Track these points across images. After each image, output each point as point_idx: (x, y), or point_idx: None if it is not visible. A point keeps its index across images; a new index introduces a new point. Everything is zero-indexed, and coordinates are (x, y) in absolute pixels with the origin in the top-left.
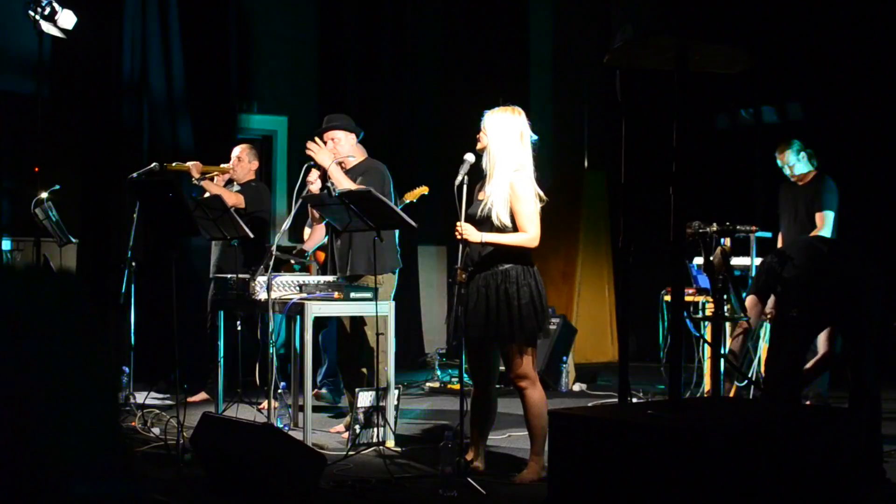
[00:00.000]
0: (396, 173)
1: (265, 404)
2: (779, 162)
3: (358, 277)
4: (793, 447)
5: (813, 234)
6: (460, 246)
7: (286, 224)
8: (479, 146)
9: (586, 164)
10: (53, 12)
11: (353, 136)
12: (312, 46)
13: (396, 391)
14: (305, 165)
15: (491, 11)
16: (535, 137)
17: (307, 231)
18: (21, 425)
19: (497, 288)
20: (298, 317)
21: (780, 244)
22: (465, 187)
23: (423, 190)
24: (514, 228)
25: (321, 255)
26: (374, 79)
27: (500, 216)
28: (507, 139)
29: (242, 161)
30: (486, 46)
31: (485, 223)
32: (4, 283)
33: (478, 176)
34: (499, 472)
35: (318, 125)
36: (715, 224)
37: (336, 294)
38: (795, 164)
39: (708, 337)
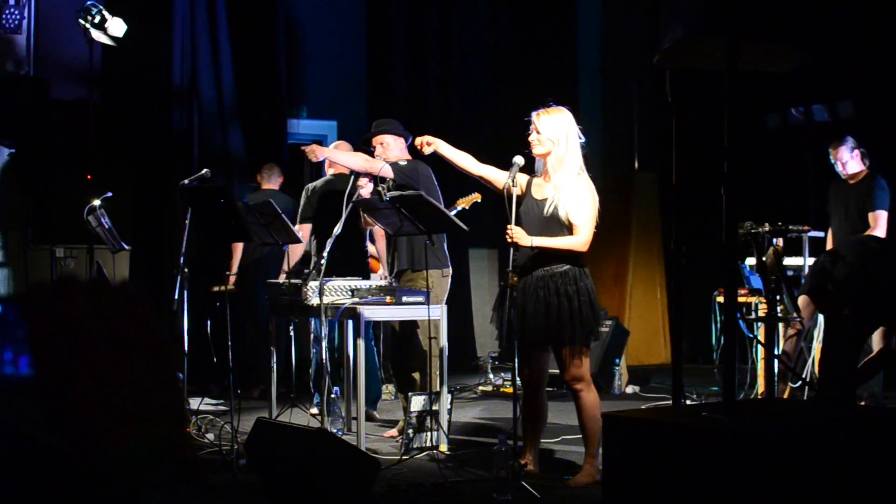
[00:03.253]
0: (447, 178)
1: (318, 409)
2: (832, 159)
3: (402, 273)
4: (848, 449)
5: (867, 233)
6: (511, 249)
7: (337, 229)
8: (537, 148)
9: (637, 165)
10: (103, 20)
11: (401, 140)
12: (361, 51)
13: (449, 395)
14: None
15: (539, 13)
16: (583, 139)
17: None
18: (89, 439)
19: (557, 290)
20: (351, 321)
21: (829, 243)
22: (514, 190)
23: (476, 197)
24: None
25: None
26: (422, 82)
27: (570, 215)
28: (570, 139)
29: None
30: (534, 49)
31: (551, 222)
32: (68, 294)
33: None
34: (553, 475)
35: (367, 129)
36: (767, 224)
37: (388, 298)
38: (848, 161)
39: (761, 338)
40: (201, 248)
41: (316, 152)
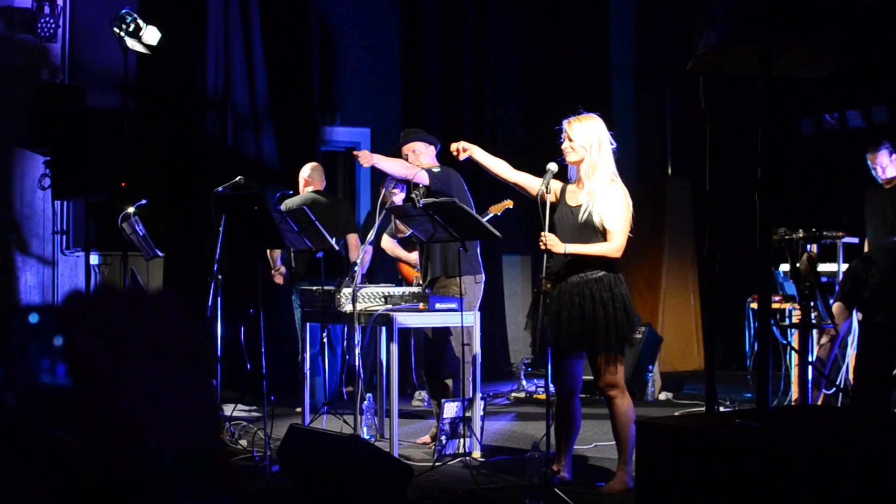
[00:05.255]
0: (479, 185)
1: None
2: (869, 163)
3: (435, 281)
4: (883, 456)
5: None
6: (544, 256)
7: (371, 236)
8: (570, 155)
9: (670, 170)
10: (138, 29)
11: (432, 147)
12: (394, 57)
13: (482, 402)
14: (388, 177)
15: (572, 19)
16: (615, 144)
17: (387, 239)
18: (126, 447)
19: (591, 296)
20: (384, 328)
21: (866, 248)
22: (548, 197)
23: (508, 203)
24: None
25: (405, 269)
26: (455, 89)
27: (604, 221)
28: (602, 146)
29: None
30: (567, 55)
31: (585, 228)
32: (106, 303)
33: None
34: (586, 482)
35: (400, 137)
36: (801, 230)
37: (421, 305)
38: (887, 166)
39: (795, 344)
40: (235, 256)
41: (368, 158)
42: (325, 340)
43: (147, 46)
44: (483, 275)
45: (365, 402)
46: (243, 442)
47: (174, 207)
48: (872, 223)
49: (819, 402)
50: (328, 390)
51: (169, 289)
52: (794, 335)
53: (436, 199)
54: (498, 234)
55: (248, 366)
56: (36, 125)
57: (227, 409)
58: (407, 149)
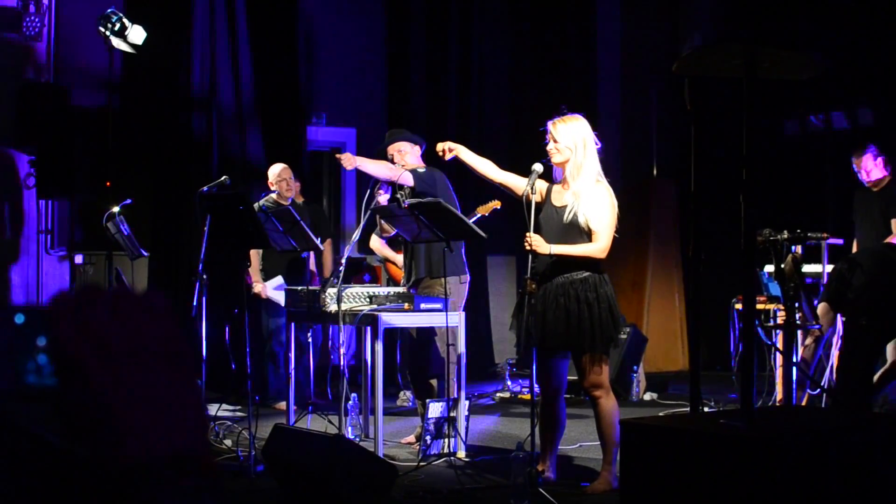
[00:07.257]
0: (466, 185)
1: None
2: (855, 167)
3: (420, 281)
4: (865, 456)
5: (888, 240)
6: (529, 256)
7: (356, 235)
8: (555, 156)
9: (655, 172)
10: (123, 28)
11: (417, 147)
12: (380, 58)
13: (467, 402)
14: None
15: (558, 20)
16: (600, 144)
17: (374, 240)
18: (111, 447)
19: (577, 297)
20: (369, 328)
21: (854, 248)
22: (533, 198)
23: (496, 204)
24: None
25: (392, 269)
26: (441, 89)
27: (590, 222)
28: (587, 146)
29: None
30: (553, 55)
31: (570, 229)
32: (91, 304)
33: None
34: (570, 482)
35: (386, 137)
36: (786, 231)
37: (406, 305)
38: (872, 169)
39: (780, 345)
40: (220, 255)
41: (351, 161)
42: (309, 340)
43: (132, 46)
44: (468, 275)
45: (350, 402)
46: (228, 442)
47: (159, 207)
48: (861, 226)
49: (803, 403)
50: (298, 389)
51: (152, 288)
52: (779, 336)
53: (421, 199)
54: (483, 234)
55: (233, 366)
56: (21, 124)
57: (212, 409)
58: (392, 149)
